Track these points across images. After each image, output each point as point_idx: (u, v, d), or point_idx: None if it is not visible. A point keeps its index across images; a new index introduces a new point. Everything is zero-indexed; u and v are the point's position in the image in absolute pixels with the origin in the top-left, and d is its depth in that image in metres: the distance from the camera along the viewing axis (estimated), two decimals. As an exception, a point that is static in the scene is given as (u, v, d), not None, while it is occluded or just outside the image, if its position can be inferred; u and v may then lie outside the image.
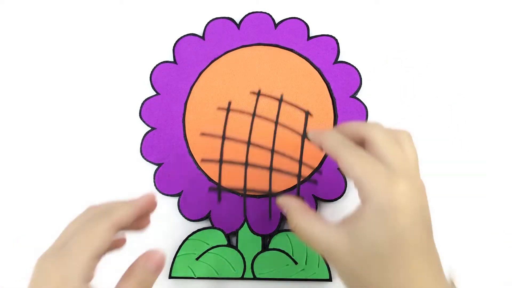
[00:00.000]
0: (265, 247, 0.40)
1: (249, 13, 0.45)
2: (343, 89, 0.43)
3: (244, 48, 0.44)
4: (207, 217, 0.41)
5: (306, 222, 0.27)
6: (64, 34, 0.48)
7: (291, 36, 0.44)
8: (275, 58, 0.44)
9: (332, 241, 0.26)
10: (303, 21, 0.44)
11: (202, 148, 0.42)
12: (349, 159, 0.26)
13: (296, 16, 0.45)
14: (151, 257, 0.29)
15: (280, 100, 0.33)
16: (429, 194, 0.41)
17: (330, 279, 0.39)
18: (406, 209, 0.25)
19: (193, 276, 0.40)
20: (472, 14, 0.46)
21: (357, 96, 0.43)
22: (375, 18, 0.46)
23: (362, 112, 0.42)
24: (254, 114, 0.33)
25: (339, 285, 0.40)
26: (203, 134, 0.34)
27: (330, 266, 0.29)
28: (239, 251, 0.40)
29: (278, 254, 0.40)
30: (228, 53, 0.44)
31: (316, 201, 0.41)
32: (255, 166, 0.33)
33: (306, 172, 0.32)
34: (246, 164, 0.32)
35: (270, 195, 0.33)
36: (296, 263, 0.40)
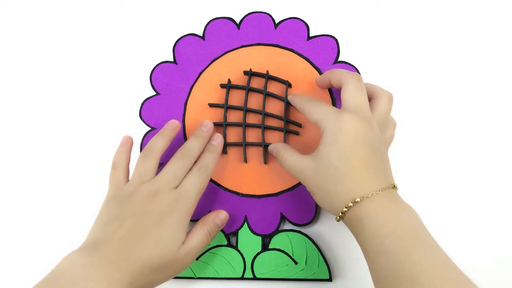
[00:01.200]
0: (265, 247, 0.40)
1: (249, 13, 0.45)
2: (343, 89, 0.43)
3: (244, 48, 0.44)
4: (207, 217, 0.41)
5: (288, 154, 0.36)
6: (65, 34, 0.48)
7: (291, 36, 0.44)
8: (275, 58, 0.44)
9: (303, 165, 0.35)
10: (303, 21, 0.44)
11: (202, 148, 0.43)
12: (310, 109, 0.36)
13: (296, 16, 0.45)
14: (219, 214, 0.39)
15: (267, 75, 0.42)
16: (429, 194, 0.42)
17: (330, 279, 0.39)
18: (349, 131, 0.32)
19: (193, 276, 0.40)
20: (472, 14, 0.46)
21: (357, 96, 0.43)
22: (375, 18, 0.46)
23: (362, 112, 0.42)
24: (248, 88, 0.42)
25: (339, 285, 0.40)
26: (210, 105, 0.43)
27: (303, 184, 0.36)
28: (239, 251, 0.40)
29: (278, 254, 0.40)
30: (228, 53, 0.44)
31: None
32: (251, 125, 0.42)
33: (288, 126, 0.42)
34: (244, 124, 0.42)
35: (263, 145, 0.41)
36: (296, 263, 0.39)
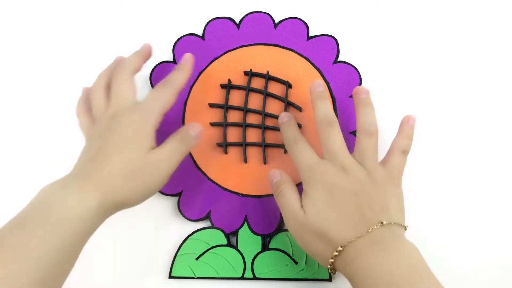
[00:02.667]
0: (265, 247, 0.40)
1: (249, 13, 0.45)
2: (343, 89, 0.43)
3: (244, 48, 0.44)
4: (207, 217, 0.41)
5: (290, 194, 0.35)
6: (65, 34, 0.49)
7: (291, 36, 0.44)
8: (275, 58, 0.44)
9: (298, 216, 0.34)
10: (302, 21, 0.44)
11: (202, 148, 0.43)
12: (290, 153, 0.36)
13: (295, 16, 0.45)
14: (192, 124, 0.38)
15: (267, 76, 0.42)
16: (427, 194, 0.42)
17: (330, 279, 0.39)
18: (322, 184, 0.33)
19: (193, 276, 0.40)
20: (472, 14, 0.46)
21: (357, 96, 0.43)
22: (375, 18, 0.46)
23: (362, 112, 0.42)
24: (248, 88, 0.42)
25: (339, 285, 0.40)
26: (210, 105, 0.43)
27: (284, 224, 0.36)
28: (239, 251, 0.40)
29: (278, 254, 0.40)
30: (228, 53, 0.44)
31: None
32: (251, 125, 0.42)
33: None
34: (244, 124, 0.41)
35: (263, 145, 0.41)
36: (296, 263, 0.39)
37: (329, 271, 0.33)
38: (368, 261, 0.30)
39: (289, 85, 0.42)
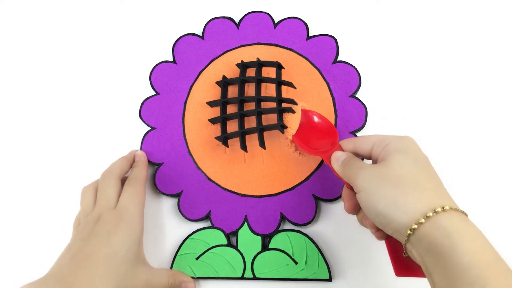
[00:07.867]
0: (265, 247, 0.40)
1: (249, 13, 0.45)
2: (343, 88, 0.43)
3: (243, 47, 0.44)
4: (207, 217, 0.41)
5: (354, 159, 0.34)
6: (64, 34, 0.49)
7: (290, 35, 0.44)
8: (274, 58, 0.44)
9: (370, 170, 0.32)
10: (302, 20, 0.44)
11: (202, 148, 0.43)
12: (361, 139, 0.35)
13: (295, 16, 0.45)
14: (188, 284, 0.40)
15: (257, 62, 0.42)
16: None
17: (330, 279, 0.39)
18: (417, 146, 0.33)
19: (193, 275, 0.40)
20: (472, 14, 0.46)
21: (357, 95, 0.43)
22: (375, 18, 0.46)
23: (362, 111, 0.42)
24: (240, 79, 0.42)
25: (339, 285, 0.40)
26: (207, 103, 0.42)
27: (359, 194, 0.32)
28: (239, 251, 0.40)
29: (278, 254, 0.40)
30: (228, 53, 0.44)
31: (316, 201, 0.41)
32: (246, 113, 0.41)
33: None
34: (239, 113, 0.41)
35: (258, 129, 0.40)
36: (296, 263, 0.39)
37: (406, 236, 0.28)
38: (470, 226, 0.27)
39: (278, 65, 0.41)
